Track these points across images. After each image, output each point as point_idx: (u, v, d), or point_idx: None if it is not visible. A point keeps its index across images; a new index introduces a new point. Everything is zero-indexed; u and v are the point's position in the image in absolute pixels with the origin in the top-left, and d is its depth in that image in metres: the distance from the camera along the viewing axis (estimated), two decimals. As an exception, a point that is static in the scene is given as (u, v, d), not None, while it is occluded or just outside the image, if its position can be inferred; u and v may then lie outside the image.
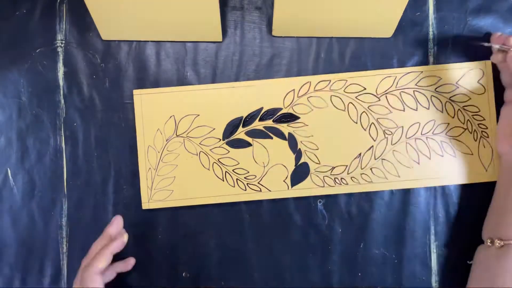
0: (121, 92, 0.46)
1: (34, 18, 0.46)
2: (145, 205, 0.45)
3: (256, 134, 0.45)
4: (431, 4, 0.46)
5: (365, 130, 0.45)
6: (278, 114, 0.45)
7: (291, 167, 0.45)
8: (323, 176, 0.44)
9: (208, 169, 0.45)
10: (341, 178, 0.44)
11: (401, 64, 0.46)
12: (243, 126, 0.45)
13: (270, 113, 0.45)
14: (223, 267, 0.45)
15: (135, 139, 0.45)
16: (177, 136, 0.45)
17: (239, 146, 0.45)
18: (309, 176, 0.45)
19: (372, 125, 0.45)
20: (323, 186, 0.44)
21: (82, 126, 0.46)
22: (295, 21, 0.44)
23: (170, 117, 0.45)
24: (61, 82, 0.46)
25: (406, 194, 0.46)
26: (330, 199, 0.45)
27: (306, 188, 0.45)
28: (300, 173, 0.45)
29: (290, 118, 0.45)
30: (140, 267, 0.45)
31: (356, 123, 0.45)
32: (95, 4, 0.42)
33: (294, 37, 0.46)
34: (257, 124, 0.45)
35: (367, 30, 0.45)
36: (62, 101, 0.46)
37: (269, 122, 0.45)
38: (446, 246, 0.45)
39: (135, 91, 0.45)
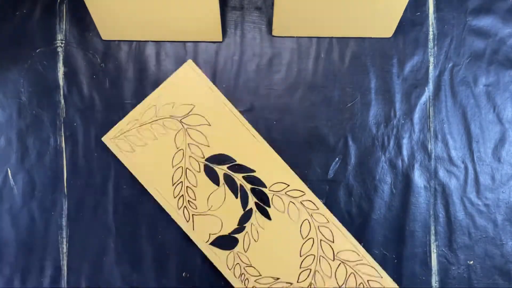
0: (121, 92, 0.46)
1: (34, 18, 0.46)
2: (105, 138, 0.44)
3: (231, 183, 0.44)
4: (431, 4, 0.46)
5: (300, 268, 0.44)
6: (260, 186, 0.44)
7: (226, 231, 0.44)
8: (236, 263, 0.44)
9: (172, 167, 0.44)
10: (246, 278, 0.44)
11: (401, 64, 0.46)
12: (228, 168, 0.44)
13: (256, 180, 0.44)
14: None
15: (135, 139, 0.45)
16: (180, 122, 0.45)
17: (210, 176, 0.44)
18: (228, 251, 0.44)
19: (308, 271, 0.44)
20: (230, 269, 0.44)
21: (82, 126, 0.46)
22: (295, 21, 0.44)
23: (190, 104, 0.45)
24: (61, 82, 0.46)
25: (406, 194, 0.46)
26: (330, 199, 0.45)
27: (218, 257, 0.44)
28: (227, 241, 0.44)
29: (265, 200, 0.44)
30: (139, 266, 0.45)
31: (301, 256, 0.44)
32: (95, 4, 0.42)
33: (294, 37, 0.46)
34: (238, 178, 0.44)
35: (367, 30, 0.45)
36: (62, 101, 0.46)
37: (247, 186, 0.44)
38: (446, 246, 0.45)
39: (189, 62, 0.45)
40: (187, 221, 0.44)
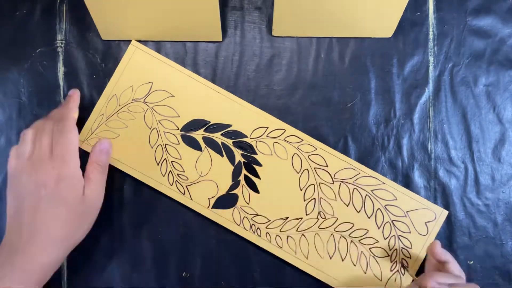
0: (121, 92, 0.46)
1: (34, 18, 0.46)
2: (79, 143, 0.44)
3: (212, 144, 0.45)
4: (431, 4, 0.46)
5: (304, 201, 0.44)
6: (240, 139, 0.45)
7: (223, 191, 0.44)
8: (243, 217, 0.44)
9: (151, 148, 0.45)
10: (257, 228, 0.44)
11: (401, 64, 0.46)
12: (204, 130, 0.45)
13: (234, 134, 0.45)
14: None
15: (135, 139, 0.45)
16: (144, 102, 0.45)
17: (190, 145, 0.45)
18: (232, 209, 0.44)
19: (313, 201, 0.44)
20: (239, 225, 0.44)
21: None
22: (295, 21, 0.44)
23: (149, 82, 0.45)
24: (61, 82, 0.46)
25: (406, 194, 0.46)
26: (330, 199, 0.46)
27: (224, 218, 0.44)
28: (227, 200, 0.44)
29: (248, 149, 0.45)
30: (139, 266, 0.45)
31: (301, 190, 0.44)
32: (95, 4, 0.42)
33: (294, 37, 0.46)
34: (218, 137, 0.45)
35: (367, 30, 0.45)
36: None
37: (228, 141, 0.44)
38: (446, 246, 0.45)
39: (133, 42, 0.45)
40: (183, 194, 0.44)
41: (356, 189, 0.44)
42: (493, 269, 0.45)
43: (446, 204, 0.46)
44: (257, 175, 0.44)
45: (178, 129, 0.45)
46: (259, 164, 0.44)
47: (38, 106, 0.46)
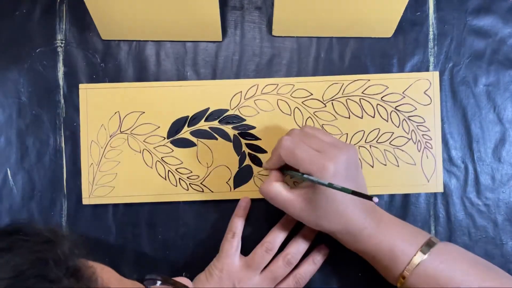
0: (121, 92, 0.46)
1: (34, 18, 0.46)
2: (85, 200, 0.45)
3: (201, 134, 0.45)
4: (431, 4, 0.46)
5: None
6: (224, 115, 0.45)
7: (235, 169, 0.45)
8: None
9: (151, 167, 0.45)
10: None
11: (402, 64, 0.46)
12: (188, 126, 0.45)
13: (216, 114, 0.45)
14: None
15: (135, 139, 0.45)
16: (121, 132, 0.45)
17: (184, 146, 0.45)
18: (252, 179, 0.44)
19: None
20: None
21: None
22: (295, 21, 0.44)
23: (115, 113, 0.45)
24: (61, 82, 0.46)
25: (406, 194, 0.46)
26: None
27: (249, 191, 0.44)
28: (243, 175, 0.45)
29: (236, 120, 0.45)
30: (139, 266, 0.45)
31: (301, 126, 0.44)
32: (95, 4, 0.42)
33: (294, 37, 0.46)
34: (203, 125, 0.45)
35: (367, 30, 0.45)
36: (62, 101, 0.46)
37: (215, 123, 0.45)
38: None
39: (81, 85, 0.45)
40: (202, 191, 0.44)
41: (348, 99, 0.44)
42: (493, 269, 0.45)
43: (446, 204, 0.46)
44: (256, 137, 0.45)
45: (165, 138, 0.45)
46: (253, 127, 0.45)
47: (38, 106, 0.46)
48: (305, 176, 0.36)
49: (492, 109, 0.46)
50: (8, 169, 0.46)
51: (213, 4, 0.41)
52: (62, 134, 0.46)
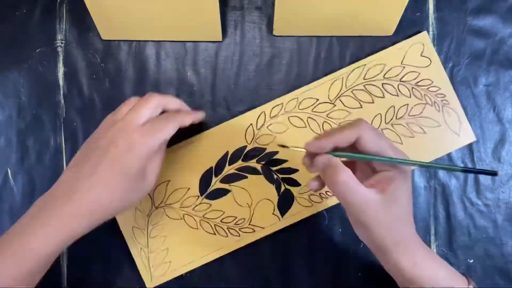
0: (121, 92, 0.46)
1: (34, 18, 0.46)
2: (148, 284, 0.44)
3: (231, 178, 0.44)
4: (431, 4, 0.46)
5: None
6: (244, 152, 0.45)
7: (275, 198, 0.44)
8: (309, 196, 0.44)
9: (197, 229, 0.44)
10: (326, 191, 0.44)
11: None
12: (216, 176, 0.44)
13: (237, 154, 0.45)
14: None
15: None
16: (156, 208, 0.44)
17: (219, 196, 0.44)
18: (294, 201, 0.44)
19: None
20: (311, 206, 0.44)
21: (82, 126, 0.46)
22: (296, 20, 0.44)
23: (165, 181, 0.45)
24: (61, 82, 0.46)
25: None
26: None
27: (296, 213, 0.44)
28: (285, 201, 0.44)
29: (257, 152, 0.45)
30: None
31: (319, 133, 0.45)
32: (95, 4, 0.42)
33: (294, 37, 0.46)
34: (229, 169, 0.44)
35: (367, 30, 0.45)
36: (62, 101, 0.46)
37: (239, 163, 0.44)
38: (446, 246, 0.45)
39: None
40: (254, 231, 0.44)
41: (353, 90, 0.45)
42: (493, 269, 0.45)
43: (446, 204, 0.46)
44: (282, 161, 0.44)
45: (199, 196, 0.44)
46: (276, 152, 0.45)
47: (38, 106, 0.46)
48: (404, 160, 0.33)
49: (492, 109, 0.46)
50: (8, 169, 0.46)
51: (213, 4, 0.41)
52: (62, 134, 0.46)
